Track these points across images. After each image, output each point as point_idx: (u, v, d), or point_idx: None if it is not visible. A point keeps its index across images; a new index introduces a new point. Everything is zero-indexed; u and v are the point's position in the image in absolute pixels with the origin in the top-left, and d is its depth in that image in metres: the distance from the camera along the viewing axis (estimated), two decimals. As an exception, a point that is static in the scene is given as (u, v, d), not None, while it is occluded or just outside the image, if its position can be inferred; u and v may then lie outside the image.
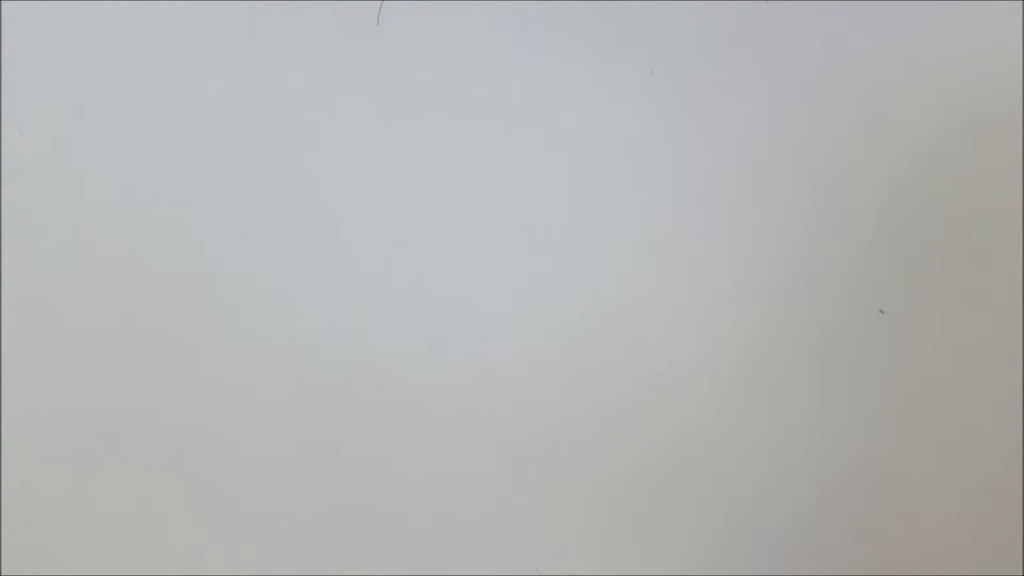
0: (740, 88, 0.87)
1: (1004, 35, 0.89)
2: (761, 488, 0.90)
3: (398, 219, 0.84)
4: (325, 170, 0.83)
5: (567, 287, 0.87)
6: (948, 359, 0.91)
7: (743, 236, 0.88)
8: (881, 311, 0.90)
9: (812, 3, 0.88)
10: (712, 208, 0.88)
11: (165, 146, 0.81)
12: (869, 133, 0.89)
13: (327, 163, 0.83)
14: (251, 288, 0.83)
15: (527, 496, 0.87)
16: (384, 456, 0.85)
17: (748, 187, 0.88)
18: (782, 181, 0.88)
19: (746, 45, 0.87)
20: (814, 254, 0.89)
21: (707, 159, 0.88)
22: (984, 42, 0.89)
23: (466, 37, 0.84)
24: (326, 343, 0.84)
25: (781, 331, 0.89)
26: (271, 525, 0.84)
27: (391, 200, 0.84)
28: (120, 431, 0.82)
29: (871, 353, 0.90)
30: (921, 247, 0.90)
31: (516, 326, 0.86)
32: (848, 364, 0.90)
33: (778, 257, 0.89)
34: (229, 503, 0.84)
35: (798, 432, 0.90)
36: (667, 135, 0.87)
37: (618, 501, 0.89)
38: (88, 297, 0.81)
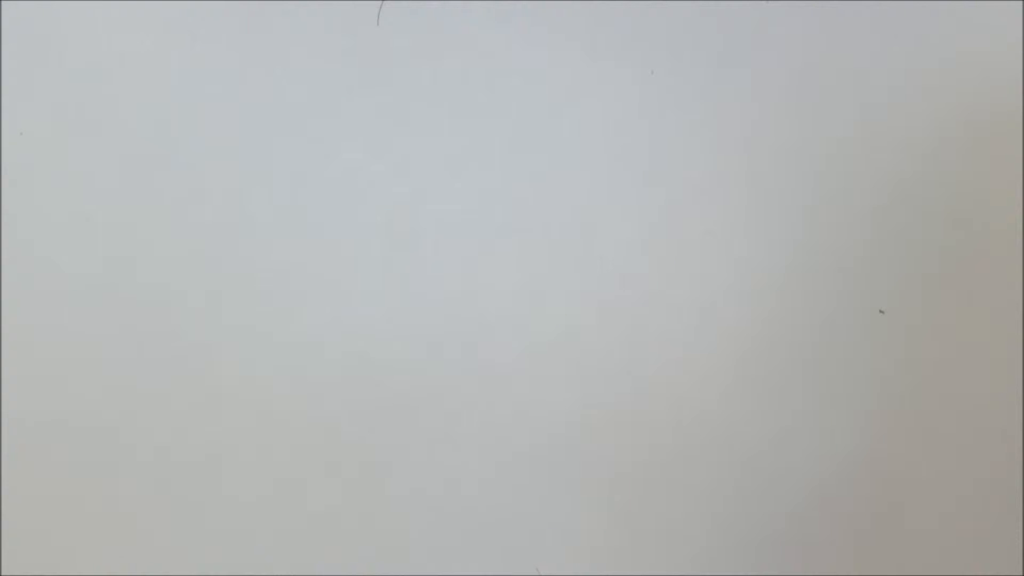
0: (740, 88, 0.87)
1: (1004, 35, 0.89)
2: (761, 488, 0.90)
3: (398, 219, 0.84)
4: (325, 170, 0.83)
5: (567, 287, 0.87)
6: (948, 359, 0.91)
7: (743, 236, 0.88)
8: (881, 311, 0.90)
9: (812, 3, 0.88)
10: (712, 208, 0.88)
11: (165, 146, 0.81)
12: (869, 133, 0.89)
13: (327, 163, 0.83)
14: (251, 288, 0.83)
15: (527, 496, 0.87)
16: (384, 456, 0.85)
17: (748, 187, 0.88)
18: (782, 181, 0.88)
19: (746, 45, 0.87)
20: (814, 254, 0.89)
21: (707, 159, 0.88)
22: (984, 42, 0.89)
23: (466, 37, 0.84)
24: (326, 343, 0.84)
25: (781, 331, 0.89)
26: (271, 525, 0.84)
27: (391, 200, 0.84)
28: (120, 432, 0.82)
29: (871, 353, 0.90)
30: (921, 247, 0.90)
31: (516, 326, 0.86)
32: (848, 364, 0.90)
33: (778, 257, 0.89)
34: (229, 503, 0.84)
35: (798, 432, 0.90)
36: (667, 135, 0.87)
37: (618, 501, 0.89)
38: (88, 297, 0.81)
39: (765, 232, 0.88)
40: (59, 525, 0.82)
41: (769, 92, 0.88)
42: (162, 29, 0.81)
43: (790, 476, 0.90)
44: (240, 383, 0.83)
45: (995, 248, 0.90)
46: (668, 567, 0.89)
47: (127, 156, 0.81)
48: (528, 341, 0.86)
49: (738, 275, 0.88)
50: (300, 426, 0.84)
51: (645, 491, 0.89)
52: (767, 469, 0.90)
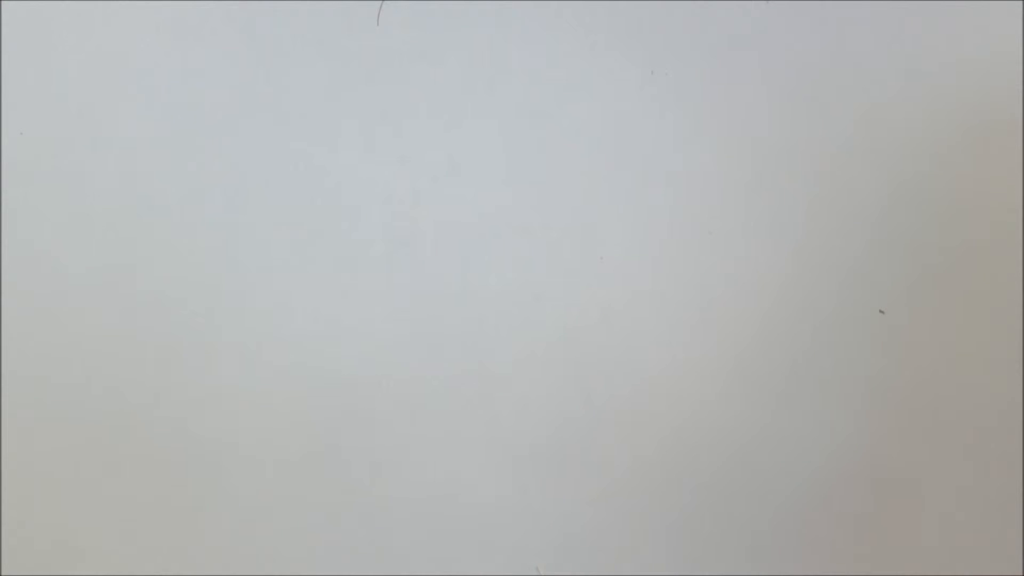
0: (740, 88, 0.87)
1: (1004, 35, 0.89)
2: (761, 487, 0.90)
3: (398, 219, 0.84)
4: (325, 170, 0.83)
5: (567, 287, 0.87)
6: (948, 359, 0.91)
7: (743, 236, 0.88)
8: (881, 311, 0.90)
9: (812, 3, 0.88)
10: (712, 208, 0.88)
11: (165, 146, 0.81)
12: (869, 134, 0.89)
13: (327, 163, 0.83)
14: (251, 288, 0.83)
15: (527, 496, 0.87)
16: (384, 456, 0.85)
17: (748, 187, 0.88)
18: (782, 181, 0.88)
19: (746, 45, 0.87)
20: (814, 254, 0.89)
21: (707, 159, 0.88)
22: (984, 43, 0.89)
23: (466, 37, 0.84)
24: (326, 343, 0.84)
25: (781, 331, 0.89)
26: (271, 524, 0.84)
27: (391, 200, 0.84)
28: (120, 431, 0.82)
29: (871, 353, 0.90)
30: (921, 247, 0.90)
31: (516, 327, 0.86)
32: (848, 364, 0.90)
33: (778, 257, 0.89)
34: (229, 503, 0.84)
35: (798, 431, 0.90)
36: (667, 135, 0.87)
37: (618, 501, 0.89)
38: (88, 297, 0.81)
39: (765, 232, 0.88)
40: (59, 525, 0.82)
41: (769, 93, 0.88)
42: (162, 29, 0.81)
43: (789, 475, 0.90)
44: (240, 383, 0.83)
45: (995, 248, 0.90)
46: (668, 566, 0.89)
47: (127, 156, 0.81)
48: (528, 341, 0.86)
49: (738, 275, 0.88)
50: (300, 426, 0.84)
51: (645, 491, 0.89)
52: (767, 468, 0.90)
